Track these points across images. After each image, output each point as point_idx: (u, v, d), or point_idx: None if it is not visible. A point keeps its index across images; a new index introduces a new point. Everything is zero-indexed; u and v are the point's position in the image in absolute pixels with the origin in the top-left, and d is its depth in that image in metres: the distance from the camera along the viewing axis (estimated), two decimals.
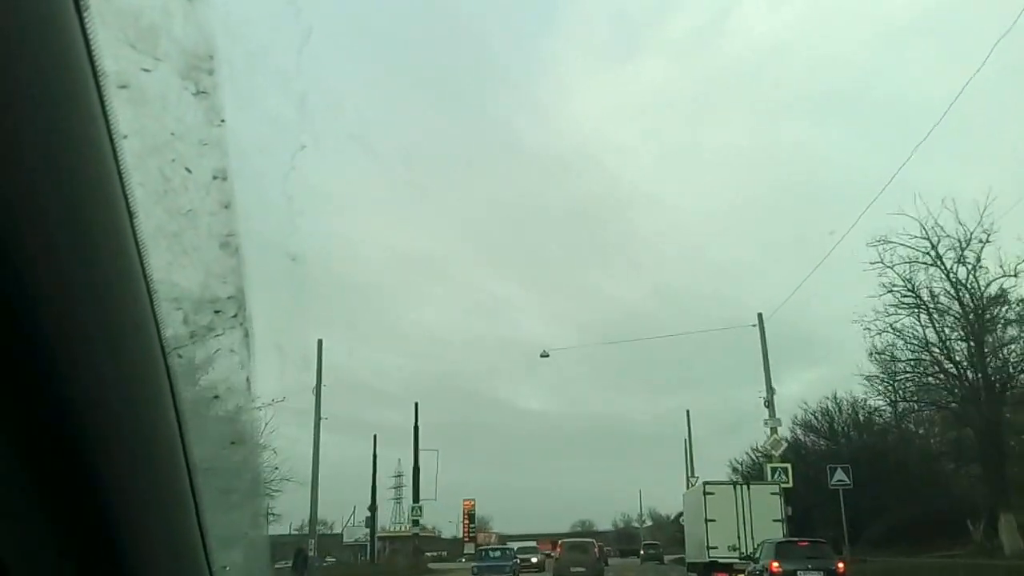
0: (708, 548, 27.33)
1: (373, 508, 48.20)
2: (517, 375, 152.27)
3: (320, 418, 36.11)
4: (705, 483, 30.13)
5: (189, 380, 1.39)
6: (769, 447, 34.14)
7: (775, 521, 27.07)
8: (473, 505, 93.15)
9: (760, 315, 35.13)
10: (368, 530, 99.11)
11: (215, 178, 1.60)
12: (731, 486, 29.43)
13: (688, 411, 60.95)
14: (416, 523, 48.78)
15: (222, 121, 1.71)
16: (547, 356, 40.00)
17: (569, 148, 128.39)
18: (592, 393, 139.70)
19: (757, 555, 22.31)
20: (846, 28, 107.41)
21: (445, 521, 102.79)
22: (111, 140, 1.17)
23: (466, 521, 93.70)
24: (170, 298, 1.40)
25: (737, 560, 25.56)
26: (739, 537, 26.90)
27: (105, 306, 1.12)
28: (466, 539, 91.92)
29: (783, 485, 29.25)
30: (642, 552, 74.00)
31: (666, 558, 67.07)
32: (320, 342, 36.03)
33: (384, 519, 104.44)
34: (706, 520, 27.56)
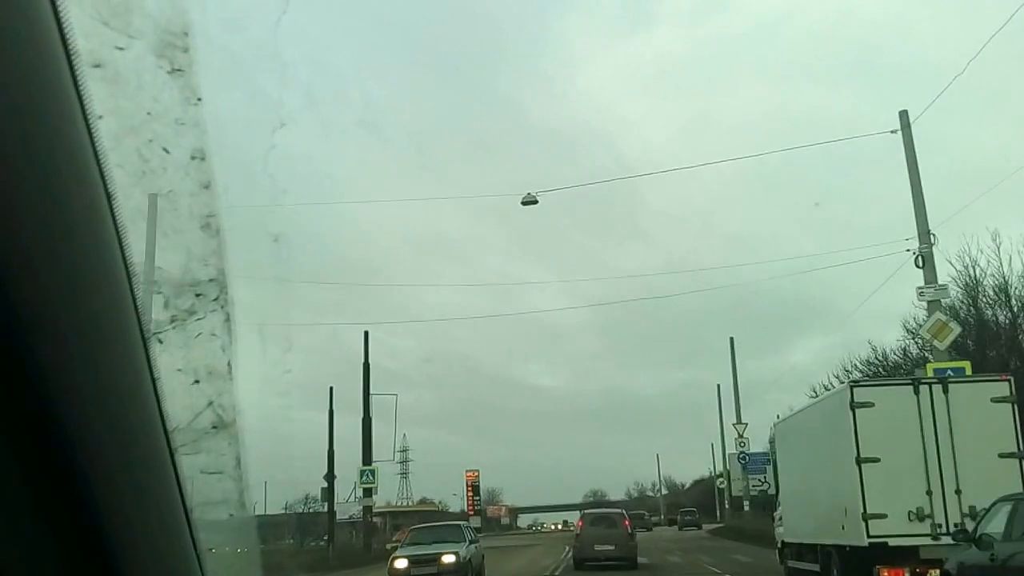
0: (865, 518, 13.42)
1: (330, 478, 39.01)
2: (530, 352, 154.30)
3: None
4: (853, 385, 14.86)
5: (170, 365, 1.41)
6: (930, 336, 19.82)
7: (1005, 457, 13.49)
8: (477, 476, 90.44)
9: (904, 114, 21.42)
10: (362, 507, 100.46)
11: (193, 158, 1.62)
12: (909, 387, 14.34)
13: (732, 338, 52.12)
14: (368, 493, 40.11)
15: (199, 99, 1.72)
16: (534, 202, 24.76)
17: (578, 123, 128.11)
18: (604, 368, 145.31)
19: (984, 528, 10.57)
20: None
21: (450, 495, 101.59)
22: (86, 121, 1.18)
23: (470, 493, 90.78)
24: (150, 281, 1.42)
25: (930, 540, 13.20)
26: (930, 494, 13.54)
27: (84, 292, 1.14)
28: (471, 512, 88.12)
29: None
30: (679, 518, 71.74)
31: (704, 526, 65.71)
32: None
33: (391, 494, 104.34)
34: (858, 461, 13.66)
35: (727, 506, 59.99)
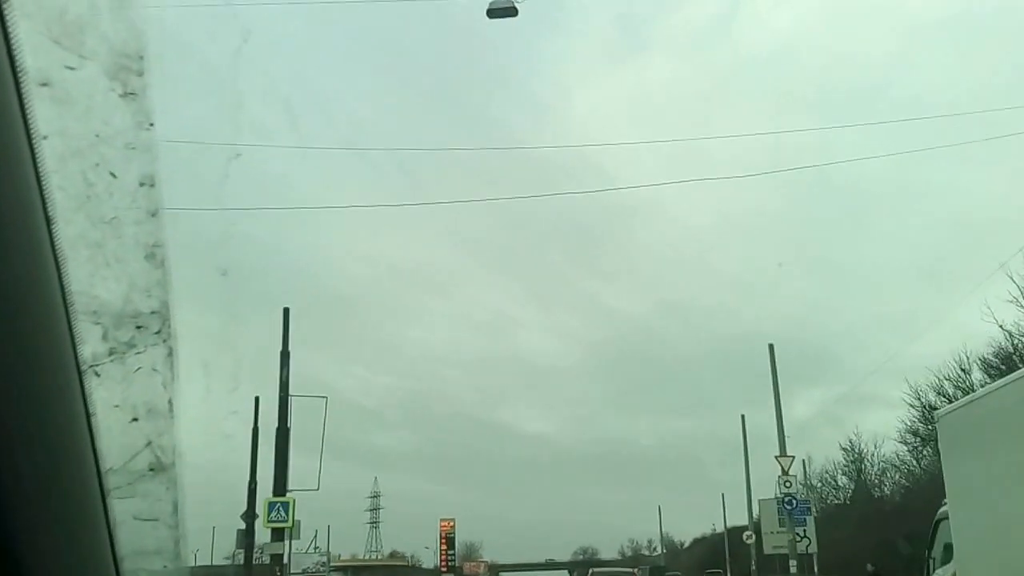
0: None
1: (249, 517, 29.54)
2: (516, 394, 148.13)
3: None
4: None
5: (107, 400, 1.35)
6: None
7: None
8: (452, 527, 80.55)
9: None
10: (324, 559, 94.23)
11: (142, 184, 1.57)
12: None
13: (771, 345, 38.30)
14: (279, 533, 28.92)
15: (151, 124, 1.68)
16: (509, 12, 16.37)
17: (570, 153, 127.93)
18: (597, 415, 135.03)
19: None
20: (860, 25, 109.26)
21: (423, 548, 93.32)
22: (29, 141, 1.15)
23: (444, 547, 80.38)
24: (89, 311, 1.36)
25: None
26: None
27: (17, 318, 1.09)
28: (443, 569, 79.94)
29: None
30: None
31: None
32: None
33: (356, 546, 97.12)
34: None
35: (753, 567, 50.47)
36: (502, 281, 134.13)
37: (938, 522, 12.48)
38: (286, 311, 28.39)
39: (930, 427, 34.61)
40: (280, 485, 27.66)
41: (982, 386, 23.96)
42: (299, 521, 28.81)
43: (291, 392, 28.46)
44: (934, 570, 12.70)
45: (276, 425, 28.59)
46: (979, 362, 33.70)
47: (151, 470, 1.41)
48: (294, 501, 27.30)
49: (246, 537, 28.08)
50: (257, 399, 28.94)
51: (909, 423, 39.76)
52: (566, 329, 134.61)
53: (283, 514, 27.03)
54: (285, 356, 28.33)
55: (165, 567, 1.46)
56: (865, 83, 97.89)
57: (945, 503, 11.55)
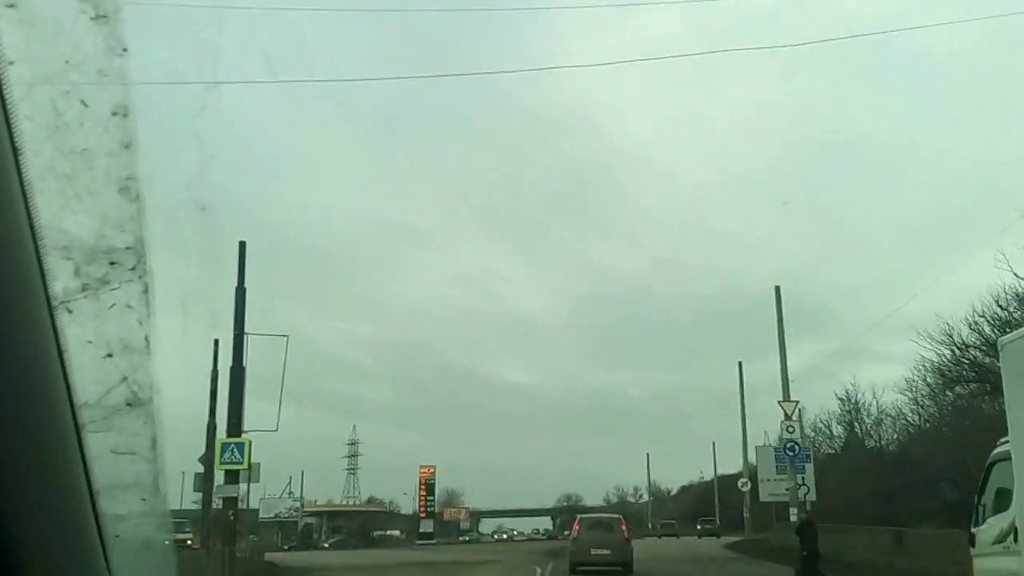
0: None
1: (208, 460, 26.83)
2: (501, 348, 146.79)
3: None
4: None
5: (80, 337, 1.34)
6: None
7: None
8: (432, 473, 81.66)
9: None
10: (298, 504, 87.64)
11: (115, 114, 1.54)
12: None
13: (778, 287, 35.86)
14: (233, 476, 26.16)
15: (124, 50, 1.63)
16: None
17: (562, 108, 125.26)
18: (583, 366, 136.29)
19: None
20: None
21: (401, 495, 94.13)
22: None
23: (423, 492, 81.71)
24: (59, 247, 1.34)
25: None
26: None
27: None
28: (422, 515, 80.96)
29: None
30: (699, 527, 65.98)
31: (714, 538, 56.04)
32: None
33: (334, 492, 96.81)
34: None
35: (746, 514, 50.45)
36: (488, 235, 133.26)
37: (992, 464, 10.73)
38: (242, 244, 26.45)
39: (960, 366, 33.22)
40: (235, 425, 25.88)
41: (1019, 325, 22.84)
42: (258, 464, 27.07)
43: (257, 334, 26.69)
44: (985, 518, 10.82)
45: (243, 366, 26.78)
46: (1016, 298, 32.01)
47: (128, 405, 1.41)
48: (250, 442, 25.27)
49: (204, 481, 26.07)
50: (216, 341, 27.22)
51: (926, 366, 38.92)
52: (553, 284, 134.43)
53: (238, 455, 25.18)
54: (241, 293, 26.57)
55: (143, 500, 1.47)
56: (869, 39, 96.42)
57: (1003, 442, 10.30)
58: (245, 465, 25.15)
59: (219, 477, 26.17)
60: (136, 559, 1.40)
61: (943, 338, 33.70)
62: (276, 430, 26.20)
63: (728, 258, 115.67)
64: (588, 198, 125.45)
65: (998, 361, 11.90)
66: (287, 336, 27.25)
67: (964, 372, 33.86)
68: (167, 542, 1.71)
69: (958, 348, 33.38)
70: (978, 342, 32.69)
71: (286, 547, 67.82)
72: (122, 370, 1.41)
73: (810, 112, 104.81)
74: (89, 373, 1.33)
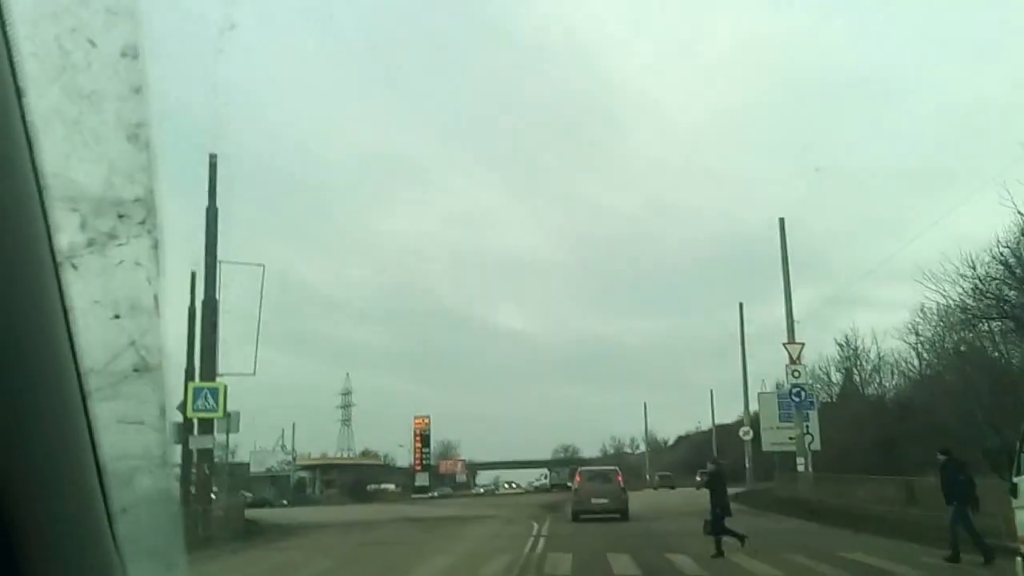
0: None
1: (184, 408, 22.92)
2: (495, 291, 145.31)
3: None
4: None
5: (85, 296, 1.26)
6: None
7: None
8: (427, 424, 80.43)
9: None
10: (291, 458, 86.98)
11: (124, 55, 1.44)
12: None
13: (782, 219, 35.48)
14: (207, 425, 23.50)
15: None
16: None
17: (560, 40, 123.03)
18: (579, 314, 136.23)
19: None
20: None
21: (396, 447, 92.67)
22: None
23: (418, 444, 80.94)
24: (65, 197, 1.26)
25: None
26: None
27: None
28: (417, 468, 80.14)
29: None
30: (698, 478, 68.94)
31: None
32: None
33: (328, 445, 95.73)
34: None
35: (748, 464, 49.20)
36: (482, 170, 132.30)
37: None
38: (212, 158, 23.40)
39: (985, 301, 31.81)
40: (208, 367, 23.26)
41: None
42: (237, 412, 24.90)
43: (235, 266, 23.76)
44: None
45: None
46: None
47: (135, 371, 1.33)
48: (225, 387, 22.90)
49: (182, 431, 23.01)
50: (193, 273, 24.63)
51: (930, 309, 37.71)
52: (549, 224, 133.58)
53: (212, 402, 22.64)
54: (212, 214, 23.35)
55: (151, 472, 1.40)
56: None
57: None
58: (220, 413, 22.84)
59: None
60: (144, 534, 1.33)
61: (966, 271, 32.39)
62: (253, 373, 23.87)
63: (724, 199, 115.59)
64: (583, 132, 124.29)
65: None
66: (263, 265, 24.58)
67: (988, 308, 32.35)
68: (176, 517, 1.64)
69: (981, 281, 32.08)
70: (1004, 275, 31.19)
71: (284, 502, 68.04)
72: (130, 333, 1.32)
73: (808, 49, 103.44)
74: (95, 336, 1.25)
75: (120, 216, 1.32)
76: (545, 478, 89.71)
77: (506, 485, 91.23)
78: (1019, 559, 9.63)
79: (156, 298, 1.35)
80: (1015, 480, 9.97)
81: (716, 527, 15.56)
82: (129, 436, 1.33)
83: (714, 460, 20.30)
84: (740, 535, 15.64)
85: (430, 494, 73.05)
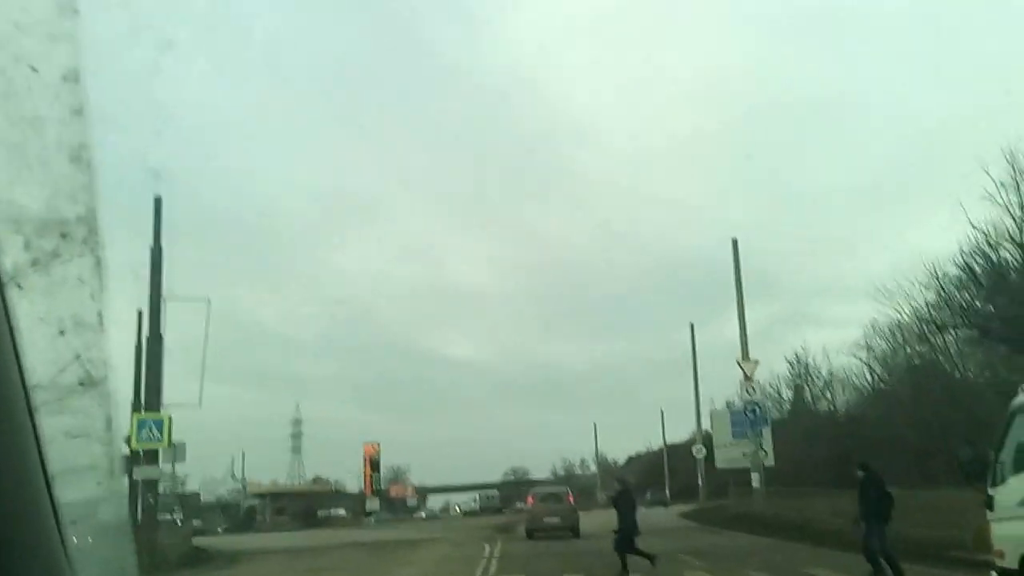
0: None
1: (131, 448, 22.87)
2: (445, 321, 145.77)
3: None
4: None
5: (31, 314, 1.29)
6: None
7: None
8: (377, 450, 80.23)
9: None
10: (240, 486, 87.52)
11: (66, 79, 1.48)
12: None
13: (735, 240, 34.96)
14: (152, 456, 23.76)
15: (76, 11, 1.57)
16: None
17: (507, 75, 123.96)
18: (528, 341, 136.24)
19: None
20: None
21: (346, 473, 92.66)
22: None
23: (368, 470, 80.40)
24: (9, 219, 1.29)
25: None
26: None
27: None
28: (368, 493, 79.98)
29: None
30: (648, 496, 65.08)
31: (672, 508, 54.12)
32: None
33: (279, 472, 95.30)
34: None
35: (700, 482, 50.28)
36: (430, 206, 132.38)
37: (1014, 414, 9.11)
38: (157, 200, 23.94)
39: (950, 310, 32.53)
40: (153, 399, 23.55)
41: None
42: (183, 443, 25.29)
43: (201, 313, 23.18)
44: (1006, 477, 9.24)
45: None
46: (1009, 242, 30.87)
47: (81, 385, 1.37)
48: (170, 418, 23.04)
49: (129, 464, 22.28)
50: (140, 312, 24.98)
51: (880, 326, 38.96)
52: (500, 255, 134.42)
53: (156, 433, 22.85)
54: (157, 253, 23.86)
55: (99, 484, 1.43)
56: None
57: None
58: (165, 443, 23.04)
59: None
60: (94, 544, 1.36)
61: (930, 281, 33.26)
62: (199, 405, 23.63)
63: (672, 226, 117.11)
64: (535, 166, 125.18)
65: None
66: (208, 300, 24.44)
67: (953, 317, 33.09)
68: (125, 526, 1.66)
69: (944, 290, 32.83)
70: (965, 282, 31.88)
71: (219, 530, 67.54)
72: (75, 348, 1.36)
73: (759, 74, 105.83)
74: (41, 352, 1.28)
75: (63, 235, 1.35)
76: (475, 502, 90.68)
77: (456, 508, 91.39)
78: (993, 573, 8.92)
79: (100, 314, 1.39)
80: (990, 492, 9.29)
81: (620, 544, 15.62)
82: (77, 449, 1.36)
83: (621, 479, 20.20)
84: (649, 555, 15.55)
85: (367, 520, 72.51)
